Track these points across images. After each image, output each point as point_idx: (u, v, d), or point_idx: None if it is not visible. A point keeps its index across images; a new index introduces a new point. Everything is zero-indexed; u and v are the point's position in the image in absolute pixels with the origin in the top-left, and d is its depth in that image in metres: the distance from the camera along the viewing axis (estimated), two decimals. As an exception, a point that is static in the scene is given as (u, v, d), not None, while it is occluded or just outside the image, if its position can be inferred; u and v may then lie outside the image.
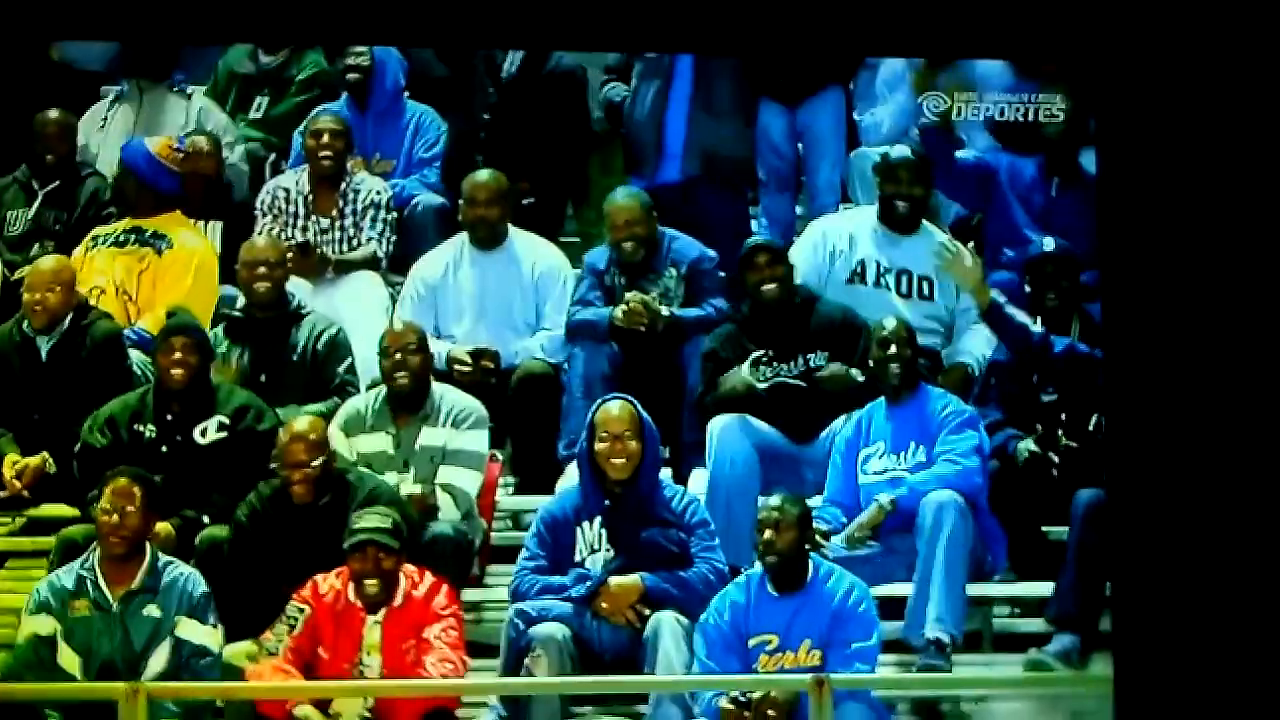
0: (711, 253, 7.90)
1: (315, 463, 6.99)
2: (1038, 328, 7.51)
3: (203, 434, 7.26)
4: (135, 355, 7.63)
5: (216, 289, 7.96)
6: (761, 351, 7.60)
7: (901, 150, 7.98)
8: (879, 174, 7.99)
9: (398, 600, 6.82)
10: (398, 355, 7.40)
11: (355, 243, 8.14)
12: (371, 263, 8.06)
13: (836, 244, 7.94)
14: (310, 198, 8.18)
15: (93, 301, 7.71)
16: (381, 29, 7.48)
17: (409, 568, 6.87)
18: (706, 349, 7.62)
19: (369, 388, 7.54)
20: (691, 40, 7.58)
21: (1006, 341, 7.56)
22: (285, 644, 6.77)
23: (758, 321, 7.64)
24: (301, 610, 6.80)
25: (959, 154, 8.09)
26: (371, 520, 6.81)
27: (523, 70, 8.35)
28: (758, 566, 6.94)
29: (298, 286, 7.84)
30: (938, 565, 7.08)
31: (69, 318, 7.54)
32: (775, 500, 6.96)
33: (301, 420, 7.09)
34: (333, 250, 8.09)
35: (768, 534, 6.86)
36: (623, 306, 7.68)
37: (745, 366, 7.57)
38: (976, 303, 7.60)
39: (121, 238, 7.98)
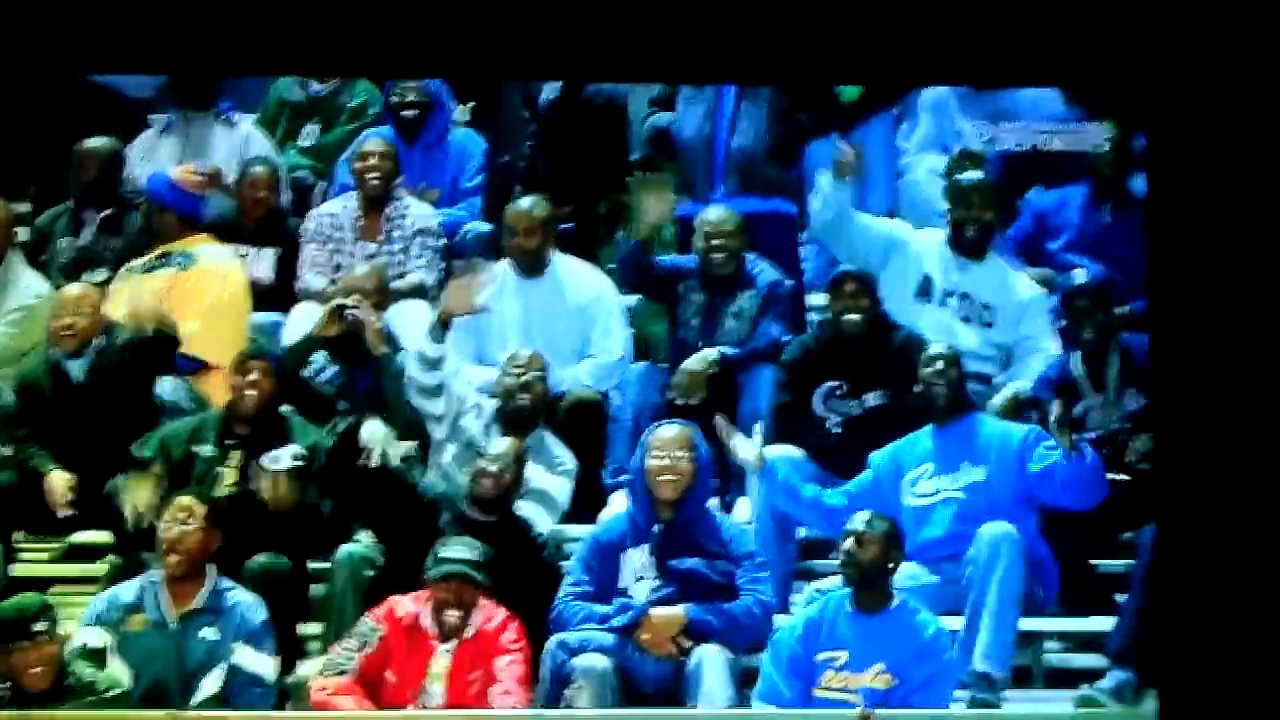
0: (789, 280, 7.88)
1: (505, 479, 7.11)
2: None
3: (274, 461, 7.23)
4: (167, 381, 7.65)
5: (246, 308, 7.93)
6: (836, 384, 7.55)
7: (973, 174, 7.93)
8: (950, 198, 7.94)
9: (470, 632, 6.80)
10: (526, 377, 7.49)
11: (403, 269, 8.13)
12: (419, 291, 8.05)
13: (906, 255, 7.91)
14: (358, 223, 8.19)
15: None
16: (426, 61, 7.57)
17: (484, 601, 6.85)
18: (789, 357, 7.59)
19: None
20: (740, 71, 7.60)
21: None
22: (355, 662, 6.74)
23: (835, 350, 7.59)
24: (375, 630, 6.78)
25: None
26: (459, 551, 6.82)
27: (563, 98, 8.32)
28: (830, 585, 6.93)
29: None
30: (990, 600, 6.97)
31: (99, 338, 7.58)
32: (865, 514, 6.89)
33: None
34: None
35: (849, 543, 6.79)
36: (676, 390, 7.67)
37: (817, 398, 7.54)
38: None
39: (150, 265, 7.99)
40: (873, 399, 7.56)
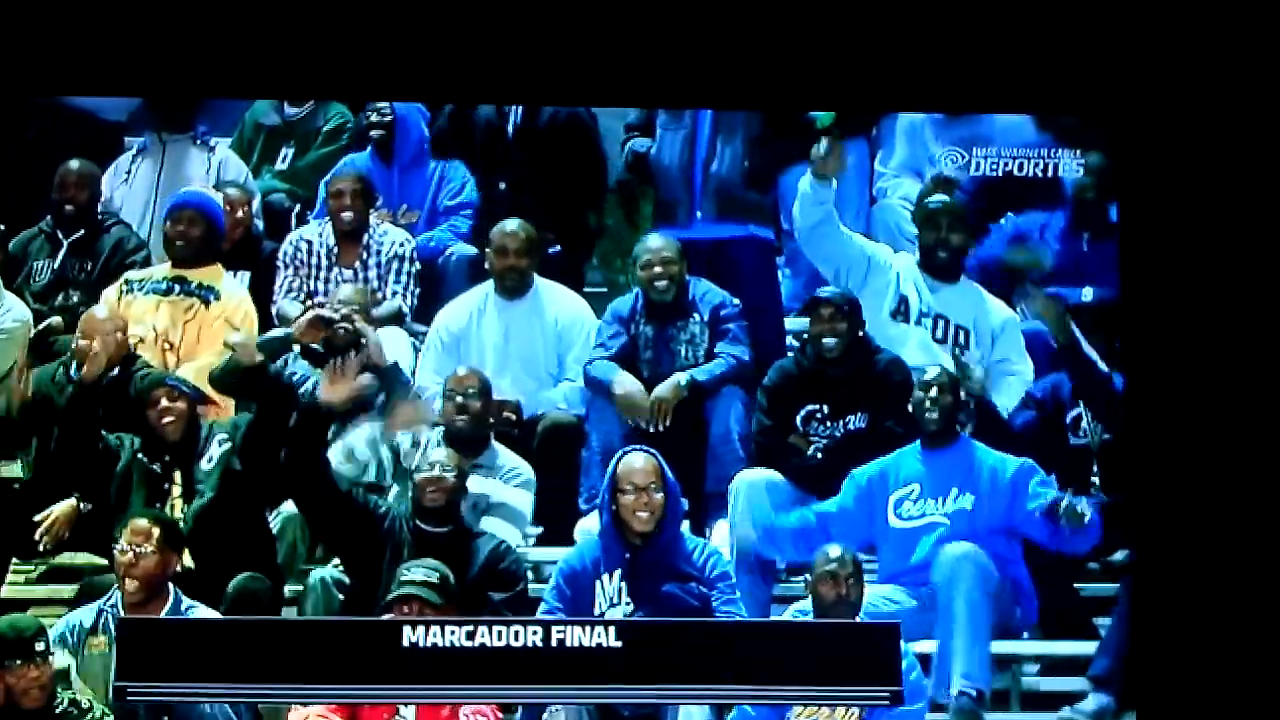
0: (735, 300, 7.89)
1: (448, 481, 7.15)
2: (1104, 366, 7.52)
3: (209, 461, 7.31)
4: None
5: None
6: (815, 406, 7.56)
7: (940, 197, 7.97)
8: (918, 221, 7.98)
9: None
10: (459, 398, 7.50)
11: (380, 296, 8.13)
12: (396, 318, 8.05)
13: (885, 276, 7.94)
14: (334, 249, 8.19)
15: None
16: (402, 85, 7.61)
17: None
18: (770, 382, 7.60)
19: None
20: (714, 96, 7.66)
21: (1077, 379, 7.54)
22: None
23: (815, 373, 7.61)
24: None
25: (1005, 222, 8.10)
26: (419, 574, 6.86)
27: (527, 120, 8.33)
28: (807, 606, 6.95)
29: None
30: (959, 621, 7.01)
31: (117, 368, 7.56)
32: (837, 551, 6.94)
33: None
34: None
35: (842, 588, 6.85)
36: (649, 401, 7.67)
37: (797, 423, 7.56)
38: (1056, 336, 7.59)
39: (164, 286, 7.98)
40: (853, 423, 7.58)
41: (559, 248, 8.20)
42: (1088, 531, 7.18)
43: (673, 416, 7.67)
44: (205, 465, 7.33)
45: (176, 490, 7.30)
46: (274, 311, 8.11)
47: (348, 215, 8.14)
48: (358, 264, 8.16)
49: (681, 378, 7.72)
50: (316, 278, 8.16)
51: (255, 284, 8.19)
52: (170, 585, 6.93)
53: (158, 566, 6.91)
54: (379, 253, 8.17)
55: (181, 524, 7.16)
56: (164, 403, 7.37)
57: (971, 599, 7.03)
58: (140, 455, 7.36)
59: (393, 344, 7.91)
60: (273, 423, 7.21)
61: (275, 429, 7.19)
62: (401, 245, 8.19)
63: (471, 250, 8.29)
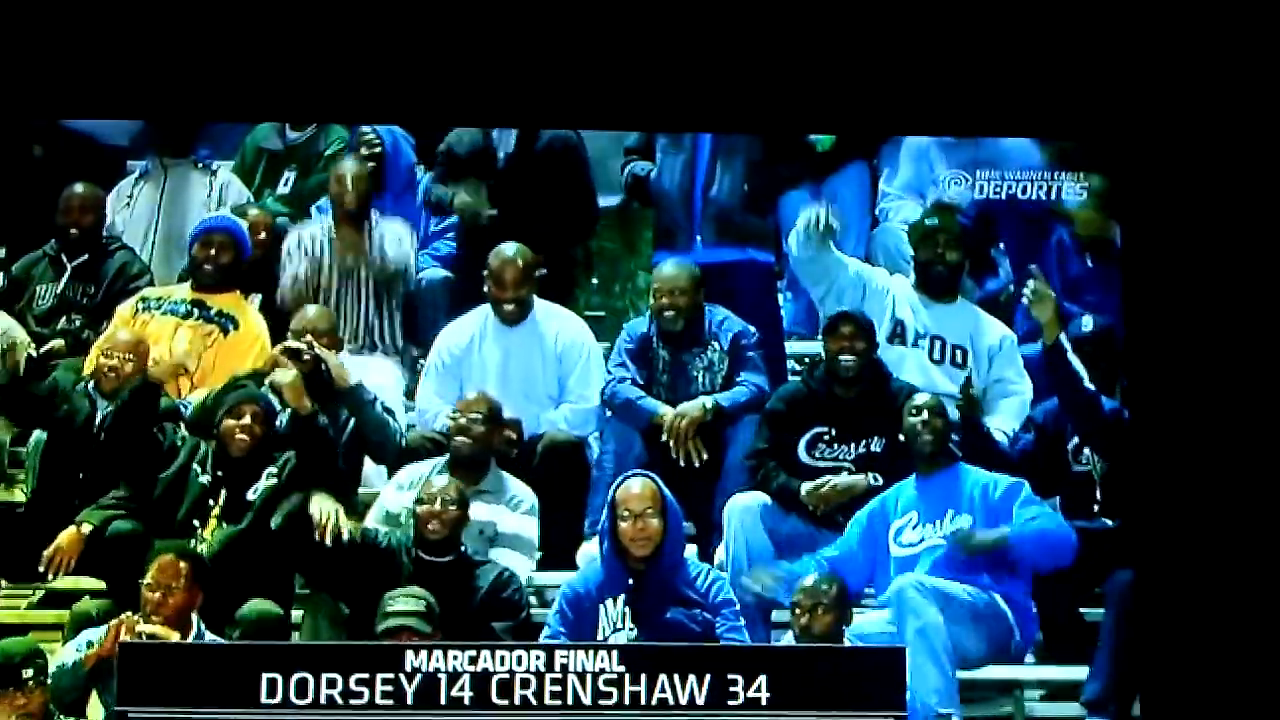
0: (753, 329, 7.89)
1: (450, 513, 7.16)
2: (1090, 384, 7.48)
3: (254, 491, 7.29)
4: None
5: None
6: (824, 429, 7.56)
7: (936, 216, 7.97)
8: (914, 239, 7.98)
9: None
10: (463, 420, 7.50)
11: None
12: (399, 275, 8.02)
13: (881, 299, 7.93)
14: (334, 242, 8.16)
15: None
16: (403, 108, 7.63)
17: None
18: (772, 408, 7.59)
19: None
20: (715, 119, 7.67)
21: (1060, 389, 7.51)
22: None
23: (828, 393, 7.60)
24: None
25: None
26: (405, 604, 6.85)
27: (520, 146, 8.34)
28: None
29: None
30: (911, 654, 6.92)
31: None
32: (810, 581, 6.94)
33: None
34: (354, 297, 8.11)
35: (804, 619, 6.83)
36: (671, 418, 7.65)
37: (801, 446, 7.55)
38: (1044, 336, 7.53)
39: (184, 309, 7.98)
40: (874, 445, 7.57)
41: (544, 270, 8.21)
42: (1058, 549, 7.16)
43: (694, 440, 7.66)
44: (250, 495, 7.29)
45: (217, 510, 7.28)
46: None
47: (349, 198, 8.12)
48: (359, 254, 8.14)
49: (706, 400, 7.72)
50: (322, 270, 8.14)
51: (266, 307, 8.20)
52: (194, 617, 6.88)
53: (185, 604, 6.85)
54: (383, 248, 8.15)
55: (206, 546, 7.15)
56: (246, 419, 7.34)
57: (920, 633, 6.98)
58: (195, 464, 7.34)
59: (383, 374, 7.97)
60: (312, 472, 7.25)
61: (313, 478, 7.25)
62: (403, 259, 8.17)
63: (443, 273, 8.29)
